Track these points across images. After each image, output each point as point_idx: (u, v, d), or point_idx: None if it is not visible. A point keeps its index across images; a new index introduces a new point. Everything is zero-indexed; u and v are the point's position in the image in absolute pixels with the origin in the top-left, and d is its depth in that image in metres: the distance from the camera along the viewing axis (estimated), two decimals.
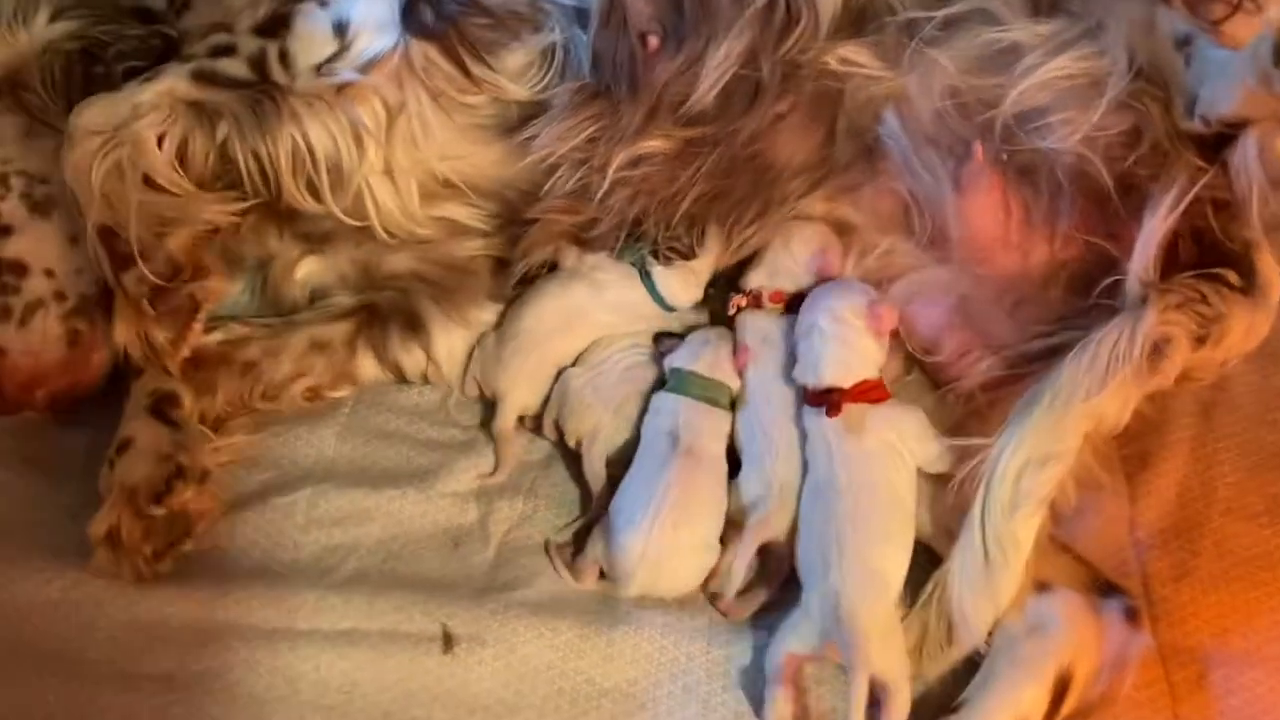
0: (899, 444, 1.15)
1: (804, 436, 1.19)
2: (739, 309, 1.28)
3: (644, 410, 1.24)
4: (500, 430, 1.26)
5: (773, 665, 1.06)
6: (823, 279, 1.27)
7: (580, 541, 1.19)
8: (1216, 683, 1.09)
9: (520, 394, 1.27)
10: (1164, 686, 1.09)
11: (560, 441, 1.27)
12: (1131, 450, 1.24)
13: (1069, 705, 1.05)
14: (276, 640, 1.12)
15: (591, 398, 1.26)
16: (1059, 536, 1.13)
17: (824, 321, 1.19)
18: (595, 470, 1.23)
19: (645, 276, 1.29)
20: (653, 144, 1.21)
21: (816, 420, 1.17)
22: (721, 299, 1.34)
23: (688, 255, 1.28)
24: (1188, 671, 1.10)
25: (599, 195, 1.22)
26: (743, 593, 1.15)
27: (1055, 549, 1.12)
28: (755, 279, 1.28)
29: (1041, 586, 1.09)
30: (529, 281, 1.34)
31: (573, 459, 1.28)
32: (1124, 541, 1.20)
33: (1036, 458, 1.06)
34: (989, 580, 1.06)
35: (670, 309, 1.31)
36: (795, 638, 1.06)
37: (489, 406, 1.31)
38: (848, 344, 1.19)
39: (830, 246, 1.28)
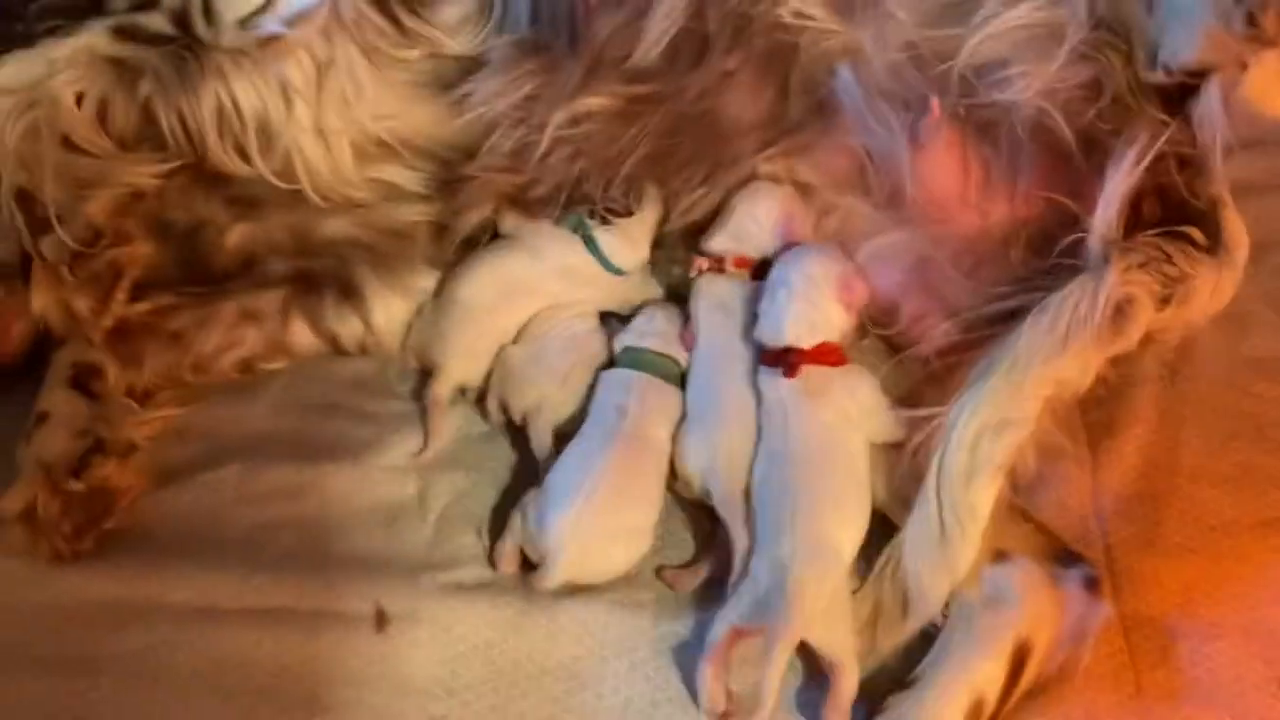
0: (854, 412, 1.12)
1: (758, 403, 1.14)
2: (700, 272, 1.23)
3: (593, 383, 1.19)
4: (433, 399, 1.21)
5: (711, 639, 1.02)
6: (788, 244, 1.22)
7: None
8: (1181, 654, 1.05)
9: (459, 366, 1.22)
10: (1126, 658, 1.05)
11: (507, 420, 1.22)
12: (1095, 417, 1.20)
13: (1027, 678, 1.01)
14: (202, 620, 1.07)
15: (534, 370, 1.21)
16: (1018, 504, 1.09)
17: (795, 279, 1.15)
18: (542, 443, 1.18)
19: (588, 241, 1.25)
20: (594, 101, 1.16)
21: (773, 383, 1.13)
22: (670, 267, 1.29)
23: (624, 214, 1.23)
24: (1151, 643, 1.06)
25: (538, 155, 1.17)
26: (688, 564, 1.11)
27: (1014, 517, 1.08)
28: (719, 243, 1.23)
29: (999, 556, 1.05)
30: (469, 246, 1.28)
31: (518, 433, 1.22)
32: (1087, 509, 1.16)
33: (994, 423, 1.01)
34: (945, 550, 1.02)
35: (618, 271, 1.26)
36: (738, 610, 1.01)
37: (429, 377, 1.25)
38: (815, 305, 1.15)
39: (795, 211, 1.23)
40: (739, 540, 1.07)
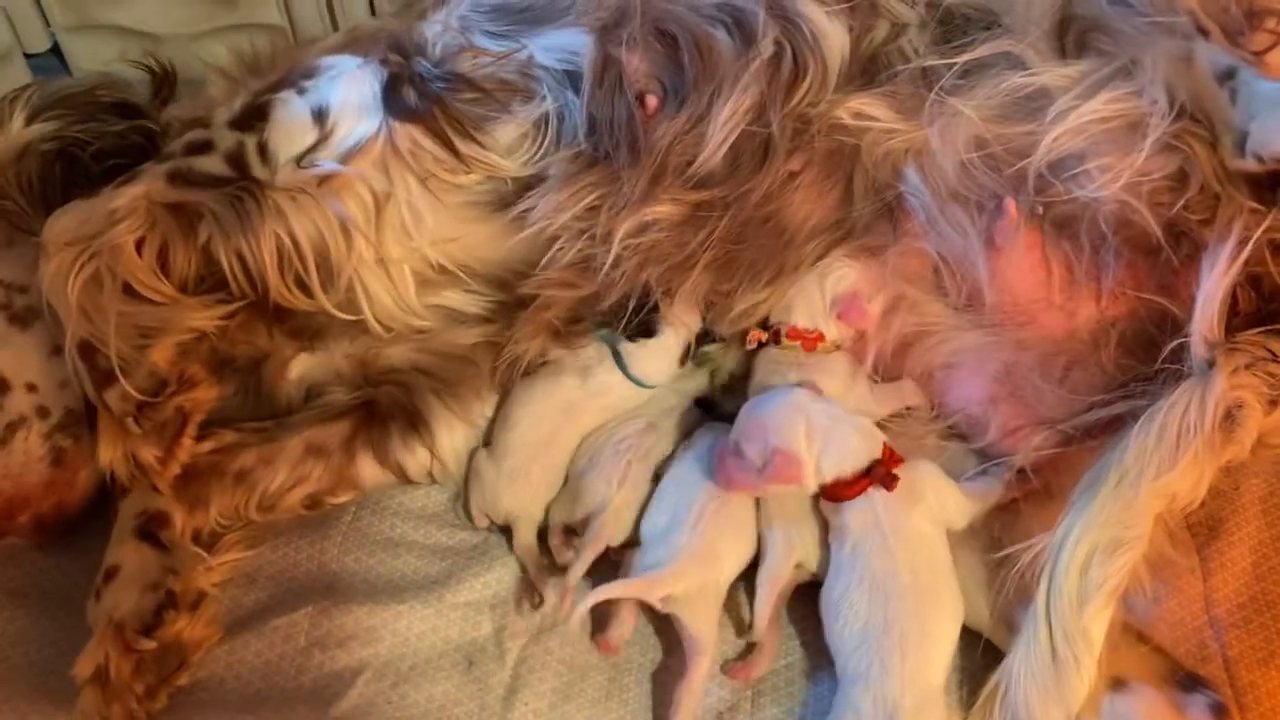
0: (940, 505, 1.07)
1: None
2: (757, 344, 1.20)
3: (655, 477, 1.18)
4: (524, 551, 1.18)
5: None
6: (845, 324, 1.18)
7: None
8: None
9: (535, 511, 1.19)
10: None
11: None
12: (1198, 518, 1.14)
13: None
14: None
15: (590, 477, 1.18)
16: (1132, 624, 1.02)
17: (810, 409, 1.10)
18: (594, 540, 1.14)
19: (615, 356, 1.22)
20: (659, 210, 1.13)
21: (865, 508, 1.07)
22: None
23: (648, 334, 1.21)
24: None
25: (605, 266, 1.14)
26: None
27: (1129, 639, 1.02)
28: (776, 313, 1.20)
29: (1117, 684, 0.99)
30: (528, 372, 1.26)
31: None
32: (1200, 622, 1.09)
33: (1105, 544, 0.96)
34: (1058, 680, 0.96)
35: (640, 384, 1.23)
36: None
37: None
38: (851, 416, 1.10)
39: (864, 292, 1.19)
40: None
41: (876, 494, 1.06)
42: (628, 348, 1.22)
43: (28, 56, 1.66)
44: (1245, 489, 1.17)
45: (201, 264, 1.18)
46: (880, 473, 1.07)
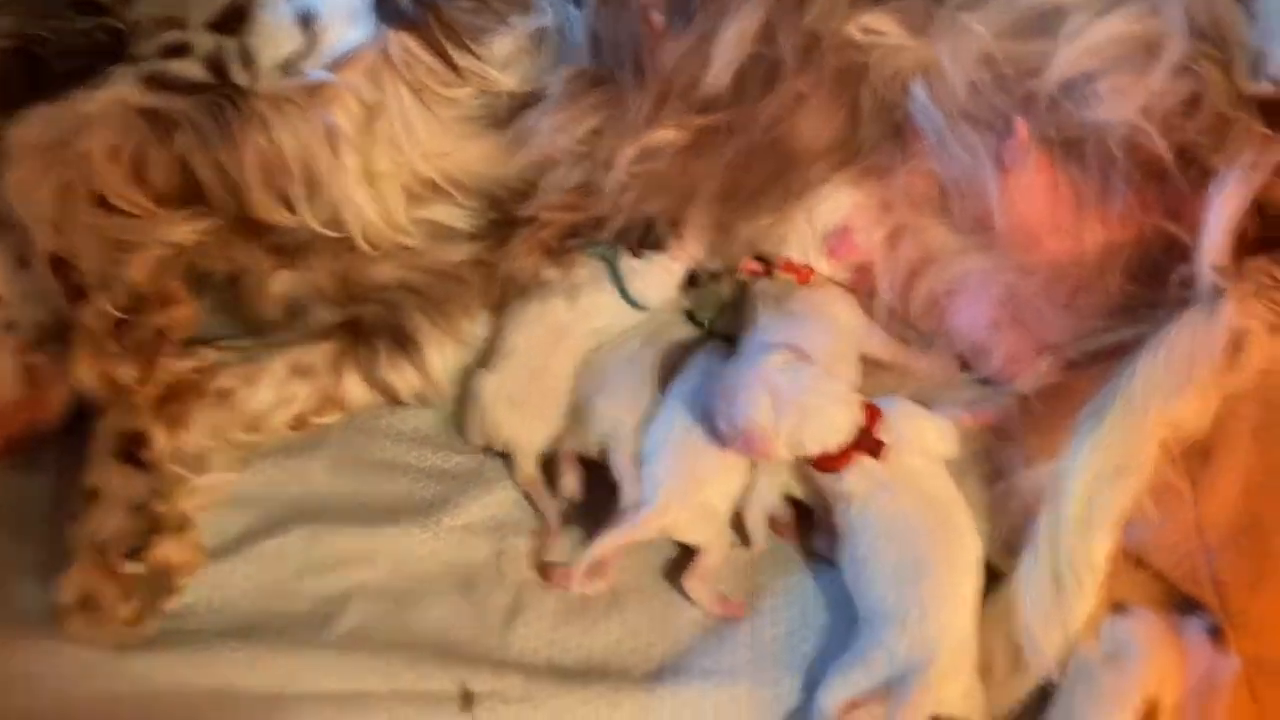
0: (918, 441, 1.08)
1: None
2: (748, 274, 1.18)
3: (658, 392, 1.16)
4: (526, 482, 1.15)
5: (823, 709, 0.96)
6: (835, 260, 1.16)
7: None
8: None
9: (535, 437, 1.16)
10: (1252, 707, 1.00)
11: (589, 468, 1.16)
12: (1190, 445, 1.14)
13: None
14: (276, 707, 1.01)
15: (598, 400, 1.15)
16: (1128, 549, 1.03)
17: (776, 380, 1.06)
18: (621, 464, 1.12)
19: (612, 270, 1.19)
20: (665, 134, 1.09)
21: (861, 473, 1.06)
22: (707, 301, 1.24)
23: (654, 247, 1.18)
24: (1275, 690, 1.01)
25: (612, 192, 1.11)
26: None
27: (1126, 565, 1.02)
28: (771, 245, 1.18)
29: (1116, 608, 1.00)
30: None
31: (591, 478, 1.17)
32: (1193, 546, 1.09)
33: (1110, 471, 0.96)
34: (1060, 604, 0.97)
35: (634, 304, 1.21)
36: (864, 682, 0.96)
37: None
38: (826, 387, 1.08)
39: (859, 226, 1.16)
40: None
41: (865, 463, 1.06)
42: (629, 263, 1.18)
43: None
44: (1237, 416, 1.17)
45: (179, 175, 1.12)
46: (867, 442, 1.05)
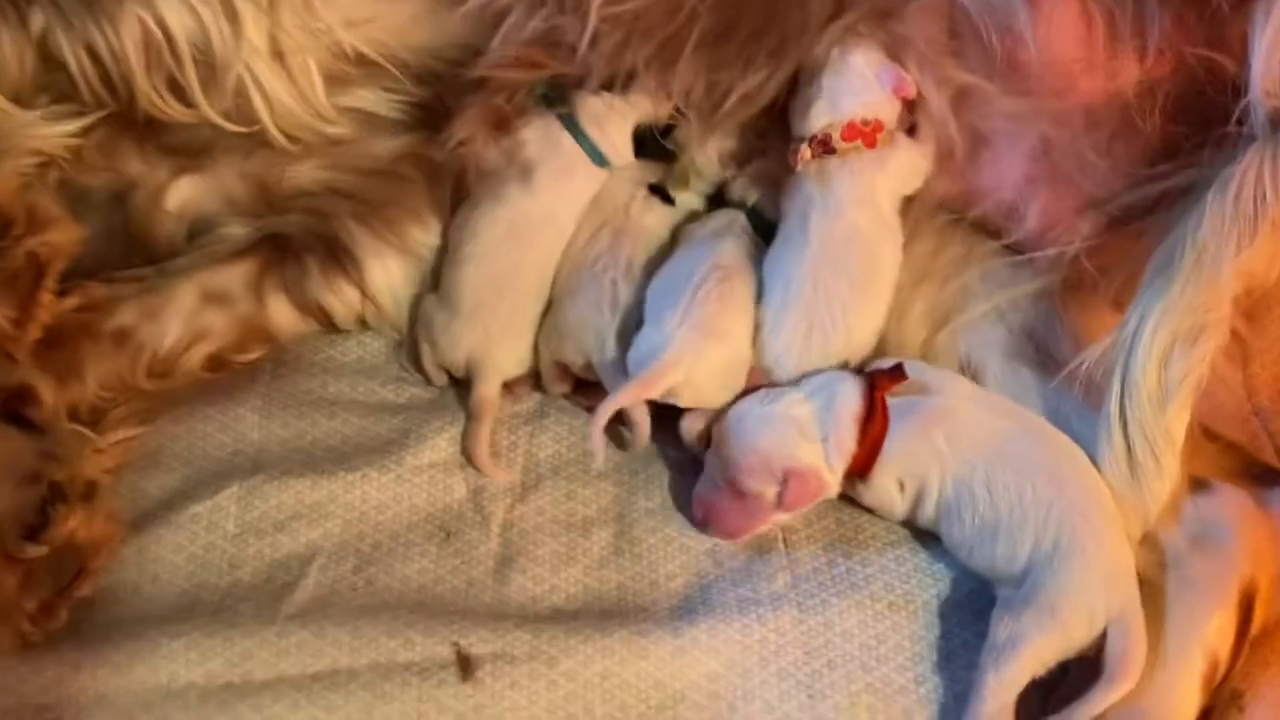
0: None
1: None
2: (804, 161, 0.99)
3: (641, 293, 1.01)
4: (481, 403, 0.98)
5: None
6: (899, 95, 1.00)
7: None
8: None
9: (504, 352, 1.00)
10: None
11: (573, 387, 1.02)
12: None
13: (1257, 624, 0.86)
14: (231, 701, 0.83)
15: (576, 309, 1.01)
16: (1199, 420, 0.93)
17: (791, 409, 0.93)
18: (610, 376, 0.98)
19: (569, 122, 1.04)
20: None
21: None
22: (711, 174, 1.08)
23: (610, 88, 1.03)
24: None
25: (584, 42, 0.95)
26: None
27: (1199, 436, 0.92)
28: (818, 114, 0.99)
29: (1196, 485, 0.89)
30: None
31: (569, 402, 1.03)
32: (1245, 410, 1.02)
33: (1186, 331, 0.85)
34: (1138, 488, 0.87)
35: (603, 162, 1.05)
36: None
37: None
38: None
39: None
40: None
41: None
42: (587, 102, 1.02)
43: None
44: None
45: (39, 64, 0.96)
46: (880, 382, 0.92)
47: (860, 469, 0.91)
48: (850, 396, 0.91)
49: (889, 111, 1.00)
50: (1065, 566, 0.85)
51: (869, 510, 0.95)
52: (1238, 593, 0.85)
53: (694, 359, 0.94)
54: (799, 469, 0.90)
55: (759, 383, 0.95)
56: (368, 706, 0.83)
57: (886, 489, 0.91)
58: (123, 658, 0.85)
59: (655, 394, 0.94)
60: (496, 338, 1.00)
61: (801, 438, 0.90)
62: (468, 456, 0.98)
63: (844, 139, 0.98)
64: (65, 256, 0.98)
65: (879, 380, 0.91)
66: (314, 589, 0.90)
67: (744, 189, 1.06)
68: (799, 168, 0.99)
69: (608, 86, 1.02)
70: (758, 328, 0.98)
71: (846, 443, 0.90)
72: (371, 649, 0.86)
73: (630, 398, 0.94)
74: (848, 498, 0.95)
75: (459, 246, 1.03)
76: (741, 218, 1.04)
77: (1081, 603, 0.84)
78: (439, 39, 1.02)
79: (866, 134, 0.98)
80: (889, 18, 1.00)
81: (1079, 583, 0.84)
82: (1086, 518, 0.86)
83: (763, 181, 1.05)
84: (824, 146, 0.98)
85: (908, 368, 0.93)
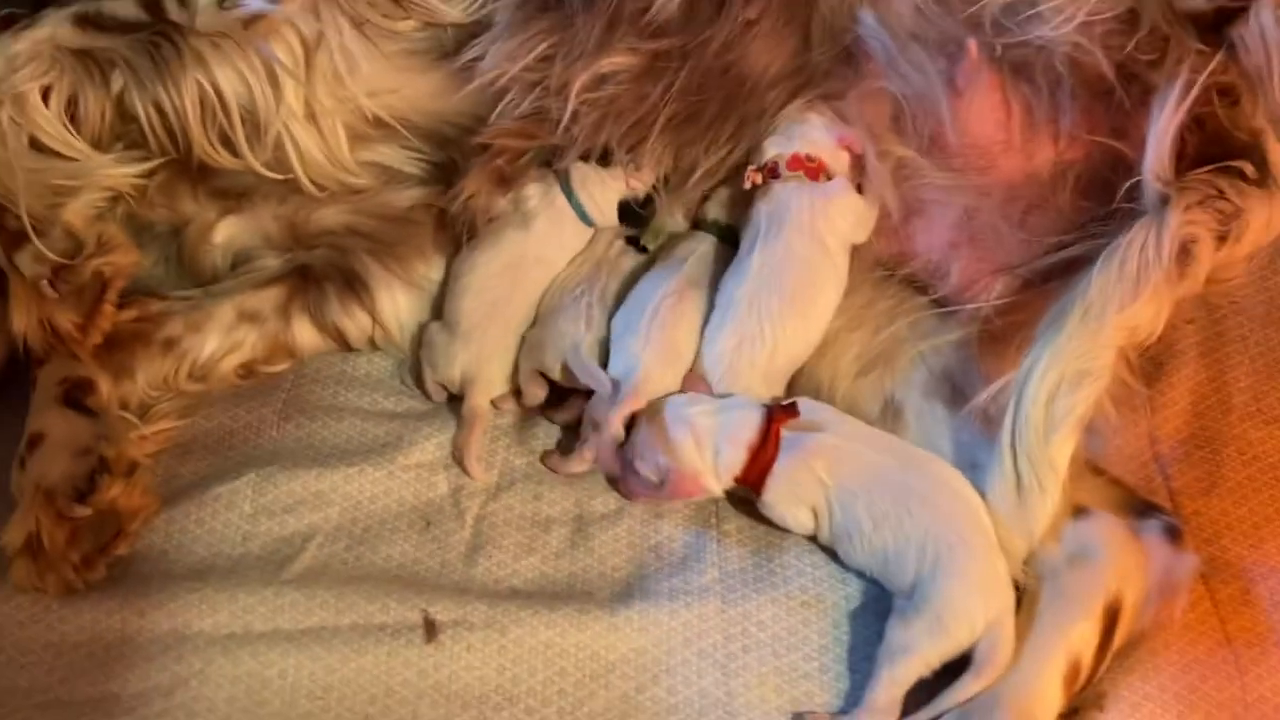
0: None
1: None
2: (754, 185, 1.12)
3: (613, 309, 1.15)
4: (473, 413, 1.13)
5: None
6: (844, 147, 1.13)
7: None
8: (1263, 595, 1.02)
9: (493, 369, 1.14)
10: (1209, 605, 1.02)
11: (550, 395, 1.15)
12: (1140, 359, 1.16)
13: (1120, 636, 0.97)
14: (234, 646, 0.98)
15: (555, 324, 1.15)
16: (1087, 456, 1.04)
17: (692, 414, 1.06)
18: (591, 370, 1.10)
19: (564, 183, 1.18)
20: (617, 60, 1.09)
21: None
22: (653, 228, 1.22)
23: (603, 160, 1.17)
24: (1231, 588, 1.03)
25: (564, 121, 1.09)
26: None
27: (1084, 470, 1.03)
28: (771, 145, 1.12)
29: (1077, 511, 1.01)
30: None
31: (544, 419, 1.17)
32: (1146, 457, 1.13)
33: (1070, 376, 0.97)
34: (1023, 509, 0.98)
35: (588, 220, 1.20)
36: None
37: None
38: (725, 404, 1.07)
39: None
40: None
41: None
42: (581, 172, 1.17)
43: None
44: (1183, 334, 1.21)
45: (116, 117, 1.11)
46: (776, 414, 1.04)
47: (749, 483, 1.03)
48: (748, 424, 1.03)
49: (834, 159, 1.12)
50: (948, 583, 0.96)
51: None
52: (1103, 606, 0.96)
53: (658, 378, 1.08)
54: (680, 470, 1.03)
55: (694, 387, 1.08)
56: (345, 658, 0.98)
57: (781, 509, 1.03)
58: (148, 605, 1.00)
59: (633, 409, 1.07)
60: (487, 356, 1.14)
61: (694, 445, 1.03)
62: (457, 458, 1.12)
63: (788, 168, 1.11)
64: (126, 276, 1.14)
65: (776, 414, 1.03)
66: (310, 561, 1.05)
67: (716, 210, 1.20)
68: (746, 186, 1.13)
69: (585, 158, 1.16)
70: (702, 338, 1.11)
71: (734, 462, 1.02)
72: (353, 611, 1.00)
73: (613, 427, 1.07)
74: None
75: (460, 278, 1.18)
76: (709, 240, 1.17)
77: (963, 613, 0.95)
78: (448, 108, 1.16)
79: (810, 168, 1.11)
80: (836, 100, 1.14)
81: (960, 597, 0.96)
82: (963, 539, 0.97)
83: (732, 202, 1.19)
84: (771, 173, 1.12)
85: (803, 407, 1.05)
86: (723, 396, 1.07)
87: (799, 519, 1.03)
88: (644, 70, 1.10)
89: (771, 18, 1.13)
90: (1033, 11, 1.07)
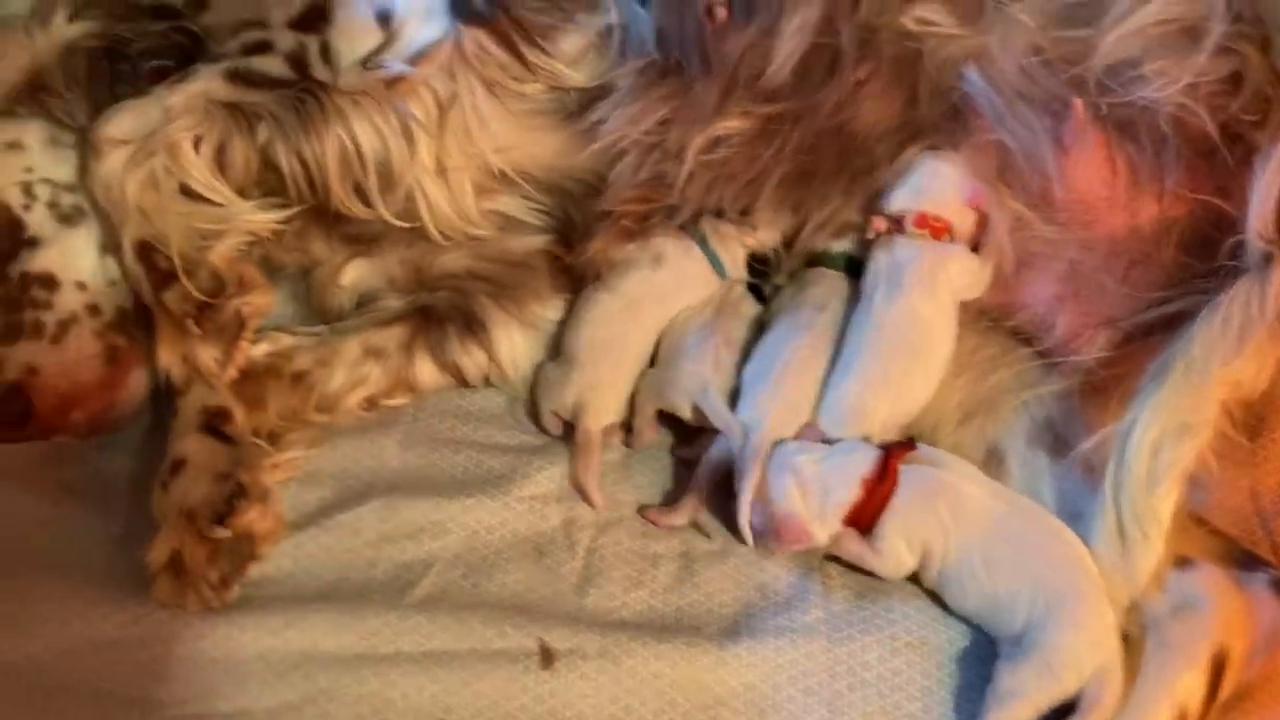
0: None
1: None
2: (877, 234, 1.16)
3: (742, 355, 1.19)
4: (587, 436, 1.17)
5: None
6: (974, 208, 1.16)
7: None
8: None
9: (606, 397, 1.19)
10: None
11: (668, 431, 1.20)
12: (1243, 414, 1.17)
13: (1226, 688, 0.98)
14: (359, 667, 1.03)
15: (685, 367, 1.19)
16: (1190, 508, 1.06)
17: (797, 462, 1.09)
18: (722, 413, 1.14)
19: (702, 241, 1.23)
20: (732, 124, 1.14)
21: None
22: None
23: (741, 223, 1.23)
24: None
25: (680, 181, 1.14)
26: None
27: (1188, 522, 1.05)
28: (899, 199, 1.16)
29: (1181, 562, 1.02)
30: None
31: (652, 455, 1.21)
32: (1248, 510, 1.13)
33: (1173, 429, 0.99)
34: (1127, 558, 1.00)
35: (723, 274, 1.25)
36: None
37: None
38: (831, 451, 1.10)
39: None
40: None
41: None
42: (712, 223, 1.22)
43: None
44: None
45: (260, 166, 1.17)
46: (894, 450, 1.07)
47: (862, 522, 1.04)
48: (863, 462, 1.06)
49: (960, 218, 1.15)
50: (1059, 629, 0.98)
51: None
52: (1209, 657, 0.97)
53: (781, 431, 1.12)
54: (782, 514, 1.05)
55: (806, 435, 1.11)
56: (465, 681, 1.02)
57: (895, 546, 1.05)
58: (278, 624, 1.06)
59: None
60: (601, 385, 1.19)
61: (799, 492, 1.05)
62: (576, 486, 1.17)
63: (915, 226, 1.14)
64: (262, 315, 1.20)
65: (893, 449, 1.07)
66: (430, 587, 1.10)
67: (839, 244, 1.23)
68: (871, 236, 1.16)
69: (698, 217, 1.21)
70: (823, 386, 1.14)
71: (847, 501, 1.04)
72: (472, 637, 1.05)
73: (753, 483, 1.09)
74: None
75: (581, 313, 1.24)
76: (839, 294, 1.20)
77: (1073, 660, 0.97)
78: (570, 166, 1.22)
79: (935, 228, 1.14)
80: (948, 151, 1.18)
81: (1071, 644, 0.98)
82: (1075, 586, 0.99)
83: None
84: (896, 225, 1.15)
85: (919, 448, 1.08)
86: (832, 443, 1.10)
87: (902, 559, 1.05)
88: (758, 132, 1.15)
89: (881, 78, 1.17)
90: (1137, 73, 1.10)
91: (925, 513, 1.04)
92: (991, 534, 1.03)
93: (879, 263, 1.16)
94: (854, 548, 1.05)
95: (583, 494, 1.16)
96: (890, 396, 1.11)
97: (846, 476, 1.05)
